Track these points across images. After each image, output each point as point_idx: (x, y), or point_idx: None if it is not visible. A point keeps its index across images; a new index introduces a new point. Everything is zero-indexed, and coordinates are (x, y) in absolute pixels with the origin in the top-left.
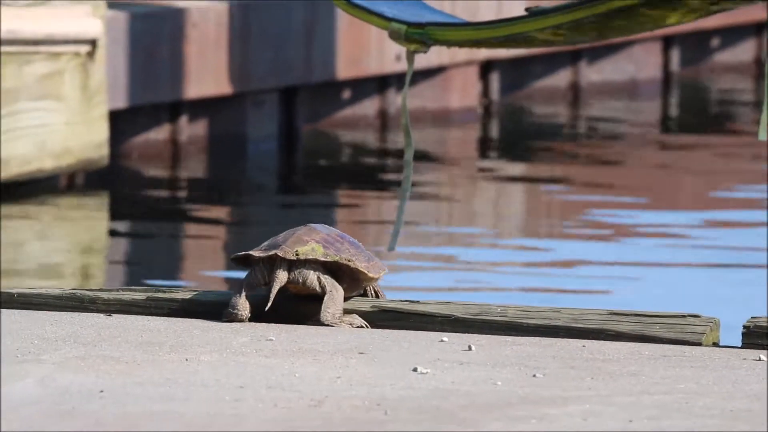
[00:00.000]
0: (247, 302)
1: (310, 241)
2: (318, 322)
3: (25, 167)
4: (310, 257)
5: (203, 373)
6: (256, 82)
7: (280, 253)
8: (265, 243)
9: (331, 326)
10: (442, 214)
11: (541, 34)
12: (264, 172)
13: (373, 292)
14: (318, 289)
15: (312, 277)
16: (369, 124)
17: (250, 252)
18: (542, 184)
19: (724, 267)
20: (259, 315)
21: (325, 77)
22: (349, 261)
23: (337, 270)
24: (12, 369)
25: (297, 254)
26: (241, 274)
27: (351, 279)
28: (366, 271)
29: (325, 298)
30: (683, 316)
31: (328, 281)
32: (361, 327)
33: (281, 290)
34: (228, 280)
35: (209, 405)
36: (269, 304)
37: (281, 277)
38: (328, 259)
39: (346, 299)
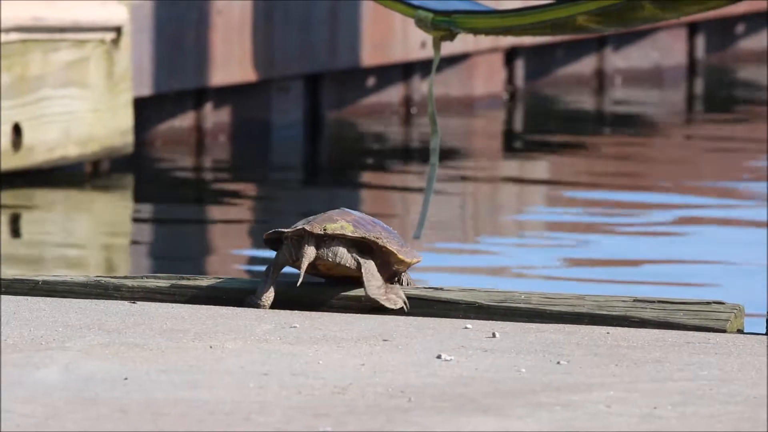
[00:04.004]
0: (272, 290)
1: (341, 220)
2: (341, 309)
3: (50, 154)
4: (338, 233)
5: (227, 360)
6: (281, 69)
7: (308, 228)
8: (297, 223)
9: (378, 300)
10: (467, 202)
11: (567, 22)
12: (289, 158)
13: (405, 281)
14: (350, 262)
15: (342, 251)
16: (394, 111)
17: (280, 229)
18: (567, 173)
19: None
20: (286, 298)
21: (350, 64)
22: (377, 238)
23: (366, 251)
24: (37, 356)
25: (325, 230)
26: (269, 257)
27: (381, 261)
28: (396, 252)
29: (363, 273)
30: (707, 303)
31: (358, 256)
32: (405, 302)
33: (313, 273)
34: (253, 266)
35: (233, 392)
36: (300, 280)
37: (309, 252)
38: (356, 235)
39: None
